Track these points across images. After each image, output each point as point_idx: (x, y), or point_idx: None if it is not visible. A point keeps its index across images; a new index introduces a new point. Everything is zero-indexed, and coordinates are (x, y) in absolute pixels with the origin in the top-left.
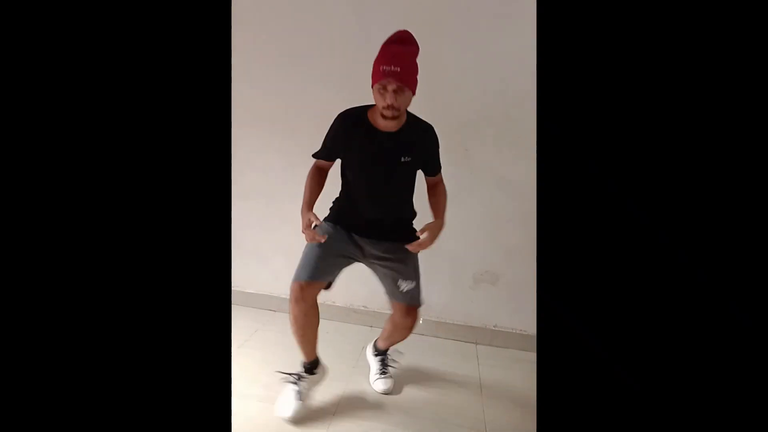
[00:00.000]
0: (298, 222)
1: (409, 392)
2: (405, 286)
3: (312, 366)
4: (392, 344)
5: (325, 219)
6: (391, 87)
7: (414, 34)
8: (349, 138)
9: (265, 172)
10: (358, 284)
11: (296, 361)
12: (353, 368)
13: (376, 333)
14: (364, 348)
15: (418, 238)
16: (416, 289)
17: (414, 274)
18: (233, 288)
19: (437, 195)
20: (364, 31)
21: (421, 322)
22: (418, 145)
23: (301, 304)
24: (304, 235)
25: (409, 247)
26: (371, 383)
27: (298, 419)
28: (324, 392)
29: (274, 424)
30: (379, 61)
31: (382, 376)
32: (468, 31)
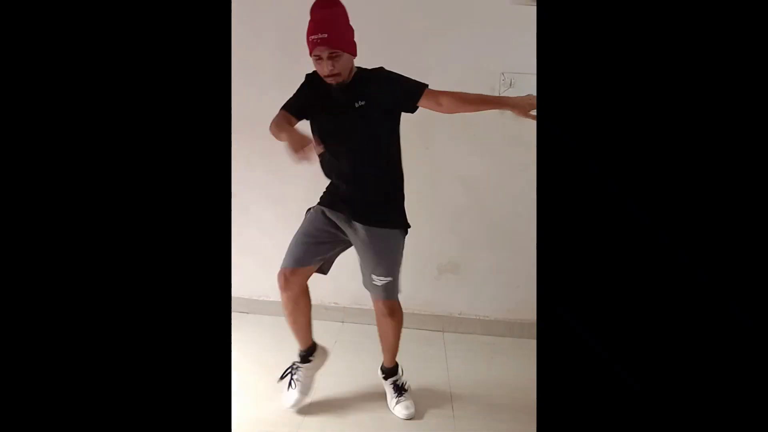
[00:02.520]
0: (263, 223)
1: (380, 381)
2: (379, 281)
3: (308, 353)
4: (394, 352)
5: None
6: (325, 54)
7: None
8: (309, 95)
9: None
10: (328, 280)
11: (275, 361)
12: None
13: (348, 328)
14: (336, 342)
15: (404, 222)
16: (391, 284)
17: (391, 269)
18: None
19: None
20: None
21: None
22: (373, 88)
23: (288, 292)
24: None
25: None
26: (391, 409)
27: (299, 408)
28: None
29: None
30: (308, 33)
31: (401, 398)
32: (425, 34)
